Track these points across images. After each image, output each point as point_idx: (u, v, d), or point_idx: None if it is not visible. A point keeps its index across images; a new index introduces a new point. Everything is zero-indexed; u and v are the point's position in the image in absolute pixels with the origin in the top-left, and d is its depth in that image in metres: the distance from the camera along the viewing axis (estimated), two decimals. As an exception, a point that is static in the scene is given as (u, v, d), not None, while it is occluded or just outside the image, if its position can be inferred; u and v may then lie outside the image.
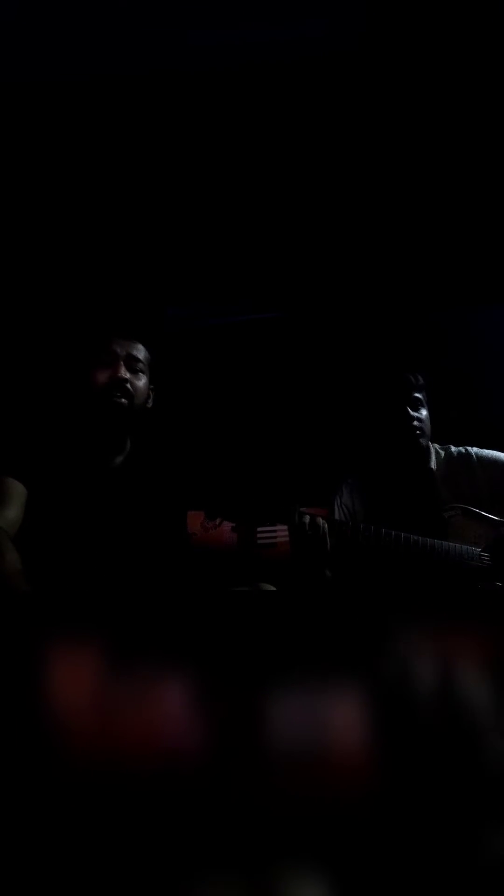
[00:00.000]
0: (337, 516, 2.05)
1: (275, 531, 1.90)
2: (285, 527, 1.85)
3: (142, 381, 1.86)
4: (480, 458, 2.11)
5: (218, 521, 1.82)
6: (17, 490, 1.74)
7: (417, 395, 2.07)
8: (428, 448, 2.10)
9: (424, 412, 2.07)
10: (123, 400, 1.80)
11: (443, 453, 2.13)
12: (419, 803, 1.02)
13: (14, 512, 1.72)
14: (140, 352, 1.87)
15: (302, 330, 2.55)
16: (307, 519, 1.83)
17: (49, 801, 1.02)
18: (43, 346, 2.30)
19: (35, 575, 1.62)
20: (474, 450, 2.13)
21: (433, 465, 2.09)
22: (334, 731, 1.05)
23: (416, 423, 2.04)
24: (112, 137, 2.10)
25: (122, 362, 1.83)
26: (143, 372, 1.86)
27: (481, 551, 1.93)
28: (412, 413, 2.04)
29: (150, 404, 1.89)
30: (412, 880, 0.98)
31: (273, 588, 1.71)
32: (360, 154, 2.12)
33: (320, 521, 1.83)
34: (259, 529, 1.96)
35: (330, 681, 1.09)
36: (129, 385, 1.81)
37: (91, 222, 2.22)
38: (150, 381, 1.89)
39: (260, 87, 2.06)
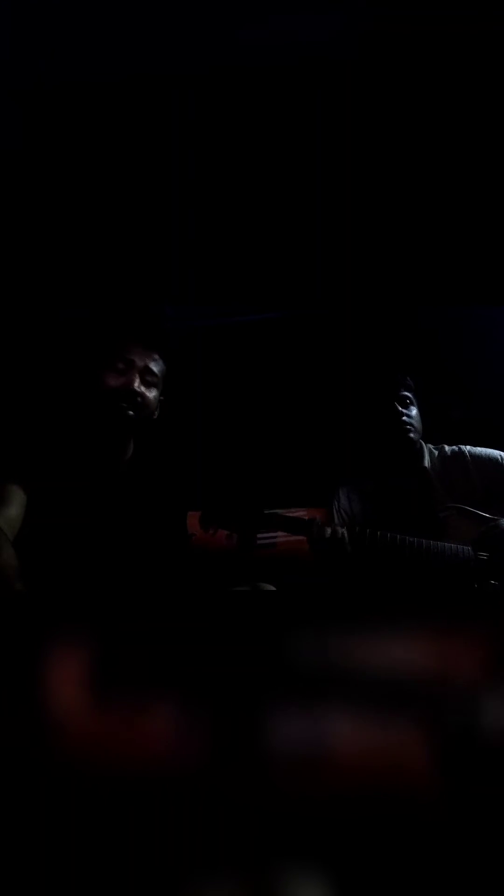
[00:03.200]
0: (335, 520, 2.07)
1: (275, 531, 1.92)
2: None
3: (153, 394, 1.81)
4: (474, 456, 2.13)
5: (213, 530, 1.85)
6: (19, 493, 1.74)
7: (406, 393, 2.09)
8: (421, 448, 2.13)
9: (414, 411, 2.10)
10: (131, 412, 1.77)
11: (437, 452, 2.15)
12: (418, 805, 1.04)
13: (15, 511, 1.72)
14: (157, 364, 1.82)
15: (301, 331, 2.56)
16: (327, 532, 1.87)
17: (45, 802, 1.03)
18: (48, 350, 2.29)
19: (37, 577, 1.64)
20: (468, 448, 2.16)
21: (427, 463, 2.11)
22: (334, 733, 1.07)
23: (405, 418, 2.07)
24: (116, 137, 2.10)
25: (137, 374, 1.79)
26: (155, 386, 1.82)
27: (477, 550, 1.95)
28: (400, 409, 2.07)
29: (156, 415, 1.86)
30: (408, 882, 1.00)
31: (273, 588, 1.72)
32: (361, 155, 2.13)
33: (339, 530, 1.88)
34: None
35: (330, 681, 1.10)
36: (139, 398, 1.78)
37: (92, 222, 2.22)
38: (161, 392, 1.85)
39: (260, 88, 2.06)
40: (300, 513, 2.02)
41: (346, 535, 1.87)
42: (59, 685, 1.07)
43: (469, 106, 2.06)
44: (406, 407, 2.08)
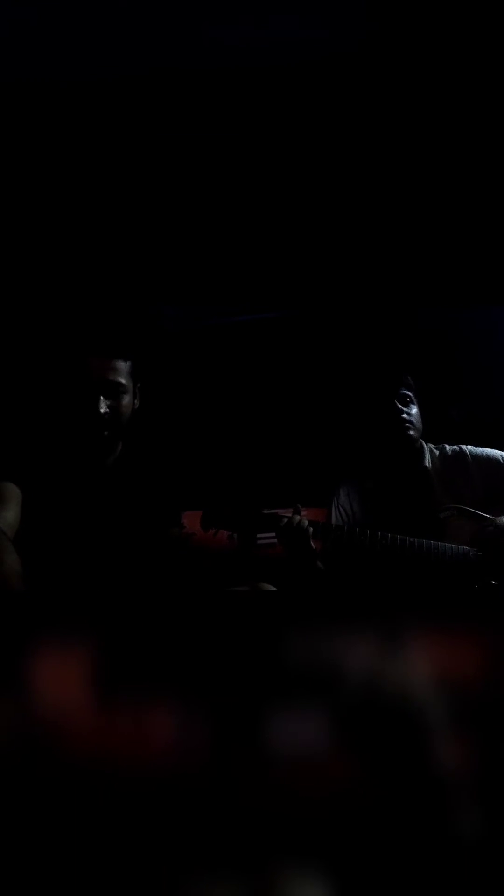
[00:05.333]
0: (334, 518, 2.07)
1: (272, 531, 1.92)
2: None
3: (124, 401, 1.80)
4: (475, 456, 2.13)
5: (213, 531, 1.85)
6: (15, 492, 1.75)
7: (406, 392, 2.09)
8: (422, 447, 2.12)
9: (414, 409, 2.09)
10: (106, 432, 1.78)
11: (437, 452, 2.15)
12: (416, 806, 1.03)
13: (13, 514, 1.74)
14: (119, 372, 1.80)
15: (300, 330, 2.56)
16: (284, 521, 1.87)
17: (44, 804, 1.03)
18: (34, 349, 2.30)
19: (30, 575, 1.64)
20: (469, 448, 2.15)
21: (428, 463, 2.11)
22: (334, 733, 1.06)
23: (405, 416, 2.06)
24: (113, 136, 2.10)
25: (100, 396, 1.76)
26: (125, 392, 1.80)
27: (477, 551, 1.94)
28: (400, 407, 2.07)
29: (136, 405, 1.86)
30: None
31: (273, 588, 1.72)
32: (360, 155, 2.13)
33: (297, 520, 1.87)
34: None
35: (329, 681, 1.10)
36: (107, 416, 1.77)
37: (90, 221, 2.23)
38: (137, 381, 1.85)
39: (260, 88, 2.06)
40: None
41: (310, 527, 1.87)
42: (59, 686, 1.07)
43: (471, 104, 2.07)
44: (406, 406, 2.08)
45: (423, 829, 1.02)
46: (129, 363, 1.82)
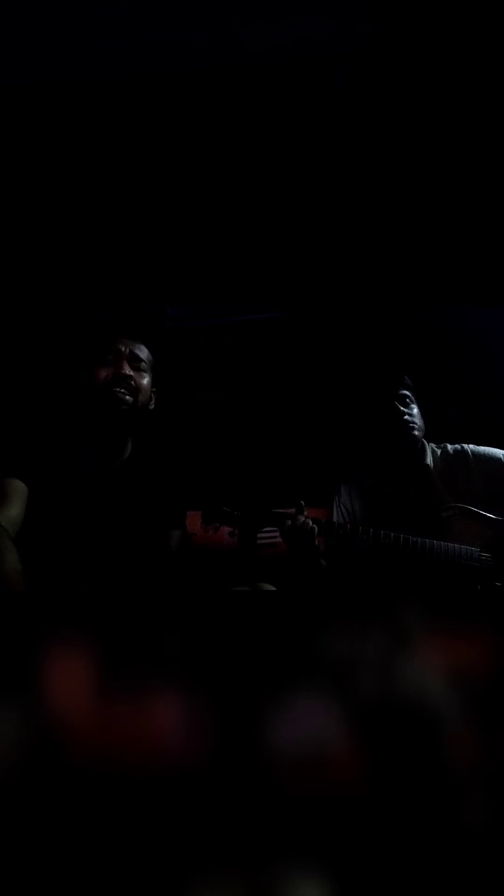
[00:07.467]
0: (336, 518, 2.07)
1: (275, 531, 1.92)
2: None
3: (145, 380, 1.89)
4: (476, 455, 2.13)
5: (214, 526, 1.86)
6: (20, 489, 1.77)
7: (405, 392, 2.10)
8: (423, 446, 2.13)
9: (415, 409, 2.10)
10: (128, 397, 1.84)
11: (439, 451, 2.15)
12: (416, 804, 1.03)
13: (16, 510, 1.76)
14: (143, 352, 1.91)
15: (302, 330, 2.56)
16: (289, 523, 1.88)
17: (48, 802, 1.02)
18: (43, 346, 2.31)
19: (35, 574, 1.65)
20: (470, 447, 2.16)
21: (429, 462, 2.11)
22: (334, 732, 1.06)
23: (406, 417, 2.07)
24: (114, 137, 2.10)
25: (125, 360, 1.87)
26: (146, 372, 1.90)
27: (481, 551, 1.94)
28: (401, 408, 2.07)
29: (152, 406, 1.92)
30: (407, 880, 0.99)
31: (273, 588, 1.72)
32: (361, 155, 2.13)
33: (301, 519, 1.88)
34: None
35: (329, 682, 1.09)
36: (132, 381, 1.86)
37: (91, 220, 2.22)
38: (153, 383, 1.93)
39: (260, 87, 2.06)
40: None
41: (315, 525, 1.88)
42: (62, 685, 1.07)
43: (472, 105, 2.06)
44: (406, 406, 2.09)
45: (420, 830, 1.01)
46: (149, 354, 1.93)
